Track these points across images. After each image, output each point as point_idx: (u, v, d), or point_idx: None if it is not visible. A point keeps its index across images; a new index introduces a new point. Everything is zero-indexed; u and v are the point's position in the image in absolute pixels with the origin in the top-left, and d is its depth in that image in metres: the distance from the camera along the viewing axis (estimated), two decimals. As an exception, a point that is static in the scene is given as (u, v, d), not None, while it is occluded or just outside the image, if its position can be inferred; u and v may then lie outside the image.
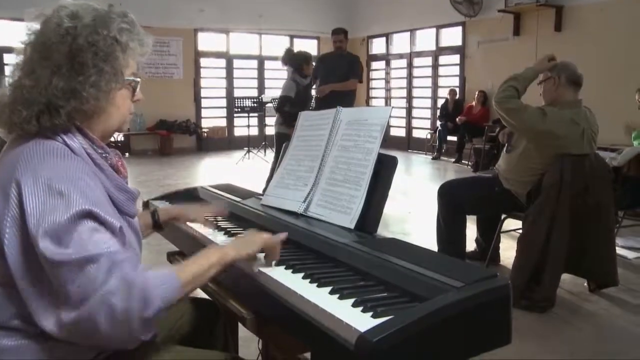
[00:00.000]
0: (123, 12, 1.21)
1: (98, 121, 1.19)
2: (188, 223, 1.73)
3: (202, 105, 11.69)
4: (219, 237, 1.61)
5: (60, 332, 1.03)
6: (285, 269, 1.30)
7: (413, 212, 5.67)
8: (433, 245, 3.59)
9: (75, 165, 1.09)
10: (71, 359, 1.11)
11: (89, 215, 1.03)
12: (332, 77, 6.00)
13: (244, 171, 8.52)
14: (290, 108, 5.62)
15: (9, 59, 8.50)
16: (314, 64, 6.13)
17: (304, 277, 1.24)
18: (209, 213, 1.78)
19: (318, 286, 1.18)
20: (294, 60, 5.92)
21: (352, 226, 1.52)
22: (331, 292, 1.14)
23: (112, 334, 1.01)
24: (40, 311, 1.03)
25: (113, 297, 0.99)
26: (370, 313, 1.02)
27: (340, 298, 1.11)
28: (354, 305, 1.07)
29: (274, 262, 1.32)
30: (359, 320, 1.00)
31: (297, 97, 5.73)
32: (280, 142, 5.69)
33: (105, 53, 1.14)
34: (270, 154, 9.96)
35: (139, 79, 1.25)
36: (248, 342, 1.95)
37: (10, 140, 1.17)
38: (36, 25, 1.15)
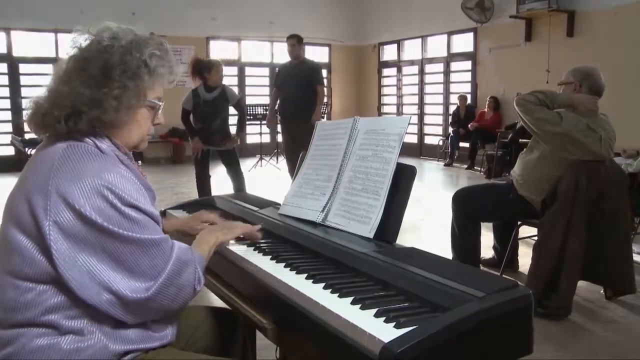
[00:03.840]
0: (161, 41, 1.35)
1: (120, 133, 1.31)
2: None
3: (214, 113, 11.74)
4: (237, 247, 1.61)
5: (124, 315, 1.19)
6: (306, 279, 1.31)
7: (426, 219, 5.66)
8: (447, 253, 3.58)
9: (111, 162, 1.22)
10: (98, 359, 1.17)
11: (136, 207, 1.18)
12: (291, 84, 6.12)
13: (257, 179, 8.54)
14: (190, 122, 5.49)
15: (24, 68, 8.61)
16: (222, 70, 5.61)
17: (325, 288, 1.25)
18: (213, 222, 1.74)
19: (340, 296, 1.19)
20: (196, 70, 5.51)
21: (371, 236, 1.53)
22: (353, 303, 1.15)
23: (174, 306, 1.23)
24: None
25: (178, 278, 1.21)
26: (393, 323, 1.03)
27: (362, 308, 1.12)
28: (377, 315, 1.08)
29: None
30: (382, 330, 1.01)
31: (195, 110, 5.51)
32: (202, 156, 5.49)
33: (132, 72, 1.26)
34: (283, 162, 9.97)
35: (161, 104, 1.37)
36: (265, 350, 1.95)
37: (44, 141, 1.29)
38: (82, 40, 1.29)
